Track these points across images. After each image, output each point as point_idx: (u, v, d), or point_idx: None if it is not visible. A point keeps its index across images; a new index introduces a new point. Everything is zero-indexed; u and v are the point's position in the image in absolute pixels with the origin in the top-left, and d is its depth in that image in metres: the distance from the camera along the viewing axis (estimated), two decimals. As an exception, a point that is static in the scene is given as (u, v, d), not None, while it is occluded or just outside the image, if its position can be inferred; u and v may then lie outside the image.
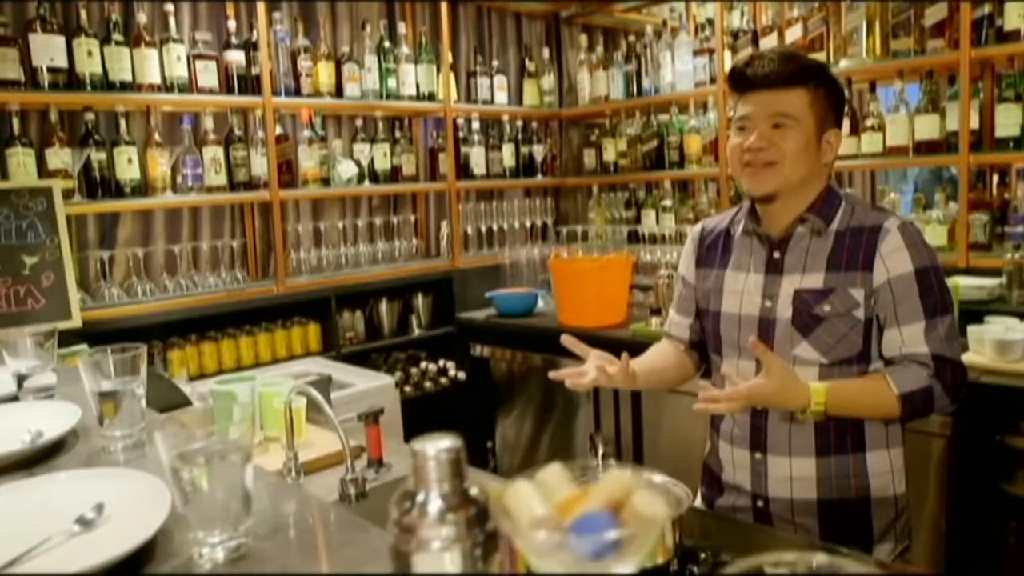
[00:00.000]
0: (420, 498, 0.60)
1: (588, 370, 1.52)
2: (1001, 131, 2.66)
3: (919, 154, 2.86)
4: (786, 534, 1.53)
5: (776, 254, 1.56)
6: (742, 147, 1.52)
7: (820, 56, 3.10)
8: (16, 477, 1.11)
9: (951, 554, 2.16)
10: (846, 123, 2.99)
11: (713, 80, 3.40)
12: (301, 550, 0.88)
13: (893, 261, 1.45)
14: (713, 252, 1.70)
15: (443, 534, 0.59)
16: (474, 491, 0.60)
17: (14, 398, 1.51)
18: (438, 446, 0.59)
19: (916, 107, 2.85)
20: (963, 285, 2.45)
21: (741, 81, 1.53)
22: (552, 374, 1.55)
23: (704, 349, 1.76)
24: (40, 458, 1.20)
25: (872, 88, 3.05)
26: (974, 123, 2.72)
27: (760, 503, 1.57)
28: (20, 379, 1.52)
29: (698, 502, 1.74)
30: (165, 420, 1.41)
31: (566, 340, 1.57)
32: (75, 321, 2.46)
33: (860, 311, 1.47)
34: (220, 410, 2.00)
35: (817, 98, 1.50)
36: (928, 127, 2.81)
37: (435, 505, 0.59)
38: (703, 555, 1.21)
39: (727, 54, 3.36)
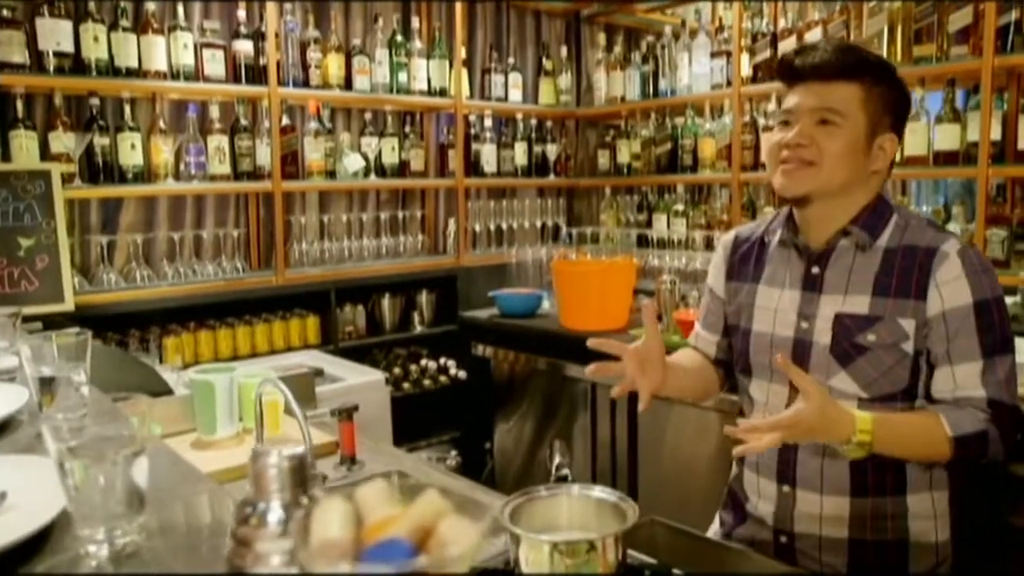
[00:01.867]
0: (260, 508, 0.55)
1: (624, 371, 1.39)
2: (1024, 143, 2.55)
3: (938, 165, 2.75)
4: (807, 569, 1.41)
5: (815, 269, 1.41)
6: (781, 143, 1.37)
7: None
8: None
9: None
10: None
11: (729, 83, 3.32)
12: (196, 551, 0.84)
13: (950, 291, 1.29)
14: (746, 264, 1.54)
15: (284, 547, 0.54)
16: (322, 502, 0.56)
17: (-25, 379, 1.50)
18: (280, 452, 0.55)
19: (937, 116, 2.74)
20: (974, 302, 2.35)
21: (789, 70, 1.38)
22: (593, 343, 1.41)
23: (730, 368, 1.62)
24: (-23, 441, 1.18)
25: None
26: (996, 134, 2.61)
27: (784, 539, 1.44)
28: (-19, 360, 1.51)
29: (716, 528, 1.62)
30: (110, 408, 1.39)
31: (593, 344, 1.43)
32: (67, 305, 2.46)
33: (909, 344, 1.31)
34: (199, 399, 2.00)
35: (872, 96, 1.34)
36: (948, 137, 2.71)
37: (275, 515, 0.55)
38: (647, 572, 1.15)
39: (744, 57, 3.28)
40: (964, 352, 1.29)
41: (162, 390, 2.09)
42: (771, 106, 3.23)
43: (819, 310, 1.38)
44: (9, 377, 1.52)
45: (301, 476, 0.55)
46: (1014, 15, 2.53)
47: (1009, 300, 2.42)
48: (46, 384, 1.19)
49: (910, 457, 1.33)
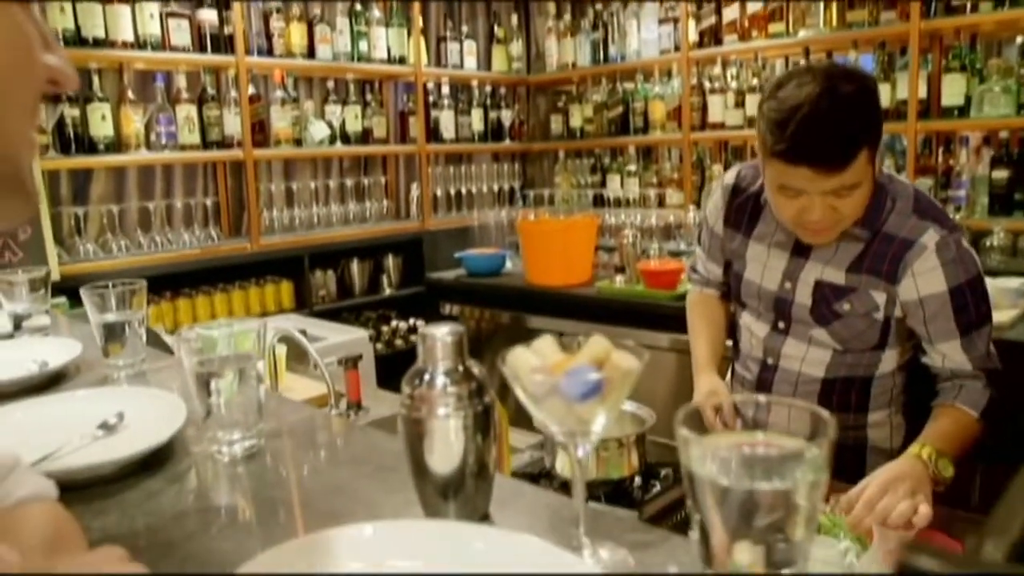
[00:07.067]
0: (428, 375, 0.70)
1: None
2: (947, 100, 2.82)
3: (870, 121, 3.00)
4: None
5: None
6: (797, 216, 1.39)
7: (780, 26, 3.22)
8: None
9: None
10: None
11: (677, 48, 3.51)
12: (308, 450, 0.98)
13: (925, 280, 1.39)
14: (741, 215, 1.62)
15: (448, 402, 0.69)
16: (475, 369, 0.71)
17: (10, 337, 1.58)
18: (444, 329, 0.69)
19: (869, 76, 2.98)
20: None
21: (789, 158, 1.31)
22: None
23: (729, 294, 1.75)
24: (47, 385, 1.27)
25: (828, 57, 3.18)
26: (923, 92, 2.86)
27: None
28: (16, 320, 1.58)
29: None
30: (165, 347, 1.49)
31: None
32: (53, 274, 2.49)
33: (880, 313, 1.45)
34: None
35: (873, 147, 1.32)
36: (880, 95, 2.95)
37: (441, 380, 0.69)
38: (664, 471, 1.33)
39: (691, 22, 3.47)
40: (943, 333, 1.41)
41: (166, 350, 2.17)
42: (716, 69, 3.43)
43: (802, 273, 1.50)
44: (43, 333, 1.60)
45: (460, 349, 0.70)
46: (936, -18, 2.78)
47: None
48: (111, 329, 1.29)
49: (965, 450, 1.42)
